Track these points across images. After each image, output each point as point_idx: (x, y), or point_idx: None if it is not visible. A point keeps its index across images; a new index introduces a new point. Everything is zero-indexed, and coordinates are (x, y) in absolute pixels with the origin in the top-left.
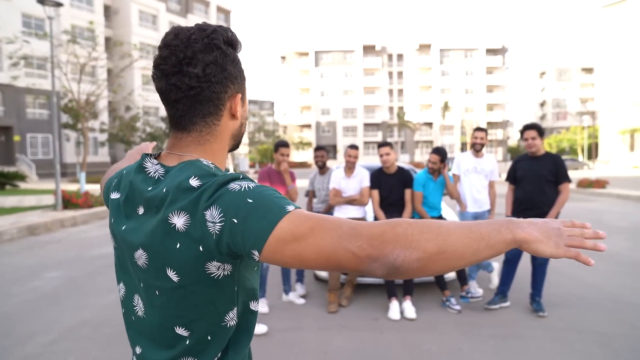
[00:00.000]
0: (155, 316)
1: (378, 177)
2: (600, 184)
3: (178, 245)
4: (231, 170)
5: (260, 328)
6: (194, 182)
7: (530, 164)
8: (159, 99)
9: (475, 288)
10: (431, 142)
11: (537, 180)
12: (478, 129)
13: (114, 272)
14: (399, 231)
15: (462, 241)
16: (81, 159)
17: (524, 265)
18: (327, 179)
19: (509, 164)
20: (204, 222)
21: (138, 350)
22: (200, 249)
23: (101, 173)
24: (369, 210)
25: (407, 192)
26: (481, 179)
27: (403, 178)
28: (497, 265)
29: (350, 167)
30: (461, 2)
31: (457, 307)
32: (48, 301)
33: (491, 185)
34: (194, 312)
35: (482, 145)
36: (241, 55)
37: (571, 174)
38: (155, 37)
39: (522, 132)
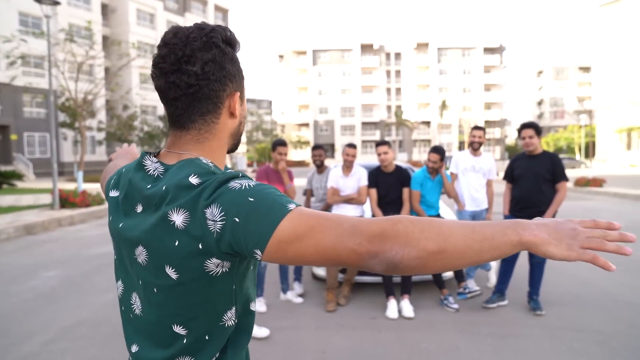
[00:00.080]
0: (153, 314)
1: (376, 176)
2: (597, 182)
3: (177, 243)
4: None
5: (262, 331)
6: (193, 180)
7: (527, 162)
8: (157, 97)
9: (473, 286)
10: (429, 140)
11: (534, 179)
12: (476, 128)
13: (112, 271)
14: (399, 228)
15: (463, 241)
16: (78, 157)
17: (522, 264)
18: (325, 177)
19: (507, 162)
20: (204, 220)
21: (134, 348)
22: (200, 246)
23: (99, 172)
24: (367, 209)
25: (405, 190)
26: (479, 178)
27: (401, 177)
28: (494, 263)
29: (348, 166)
30: (459, 1)
31: (455, 306)
32: (45, 300)
33: (489, 184)
34: (192, 311)
35: (480, 144)
36: (239, 54)
37: (568, 172)
38: (152, 36)
39: (519, 130)
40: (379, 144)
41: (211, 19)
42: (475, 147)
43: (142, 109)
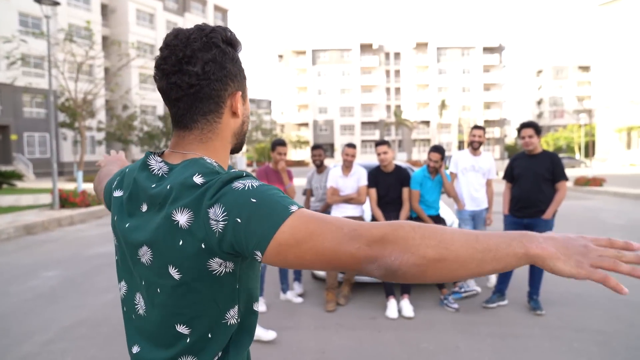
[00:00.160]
0: (156, 314)
1: (375, 176)
2: (597, 182)
3: (181, 243)
4: None
5: (268, 334)
6: (197, 179)
7: (527, 162)
8: (157, 97)
9: (473, 285)
10: (428, 140)
11: (534, 178)
12: (476, 127)
13: (112, 271)
14: (400, 234)
15: (465, 250)
16: (78, 157)
17: None
18: (324, 177)
19: (506, 162)
20: (207, 220)
21: (135, 349)
22: (203, 246)
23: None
24: (367, 208)
25: (405, 190)
26: (479, 177)
27: (400, 176)
28: None
29: (347, 166)
30: (458, 1)
31: (455, 306)
32: (45, 300)
33: (488, 183)
34: (195, 309)
35: (480, 144)
36: (241, 55)
37: (568, 172)
38: (152, 36)
39: (519, 130)
40: (378, 143)
41: (211, 19)
42: (475, 147)
43: (141, 109)
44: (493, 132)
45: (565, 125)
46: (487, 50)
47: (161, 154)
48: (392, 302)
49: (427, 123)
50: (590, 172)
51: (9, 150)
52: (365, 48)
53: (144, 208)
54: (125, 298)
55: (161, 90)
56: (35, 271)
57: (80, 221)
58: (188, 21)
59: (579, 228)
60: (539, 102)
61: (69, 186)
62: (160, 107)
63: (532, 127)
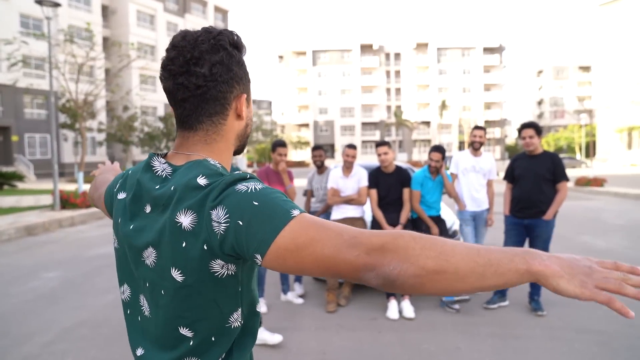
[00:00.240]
0: (160, 316)
1: (376, 177)
2: (598, 182)
3: (184, 244)
4: None
5: (274, 338)
6: (201, 181)
7: (528, 162)
8: (157, 98)
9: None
10: (429, 140)
11: (535, 179)
12: (477, 128)
13: (113, 272)
14: (400, 243)
15: (466, 264)
16: (79, 158)
17: None
18: (325, 178)
19: (507, 162)
20: (210, 222)
21: (140, 351)
22: (205, 247)
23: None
24: (367, 209)
25: (406, 191)
26: (479, 178)
27: (401, 177)
28: None
29: (348, 167)
30: (458, 1)
31: (456, 307)
32: (46, 301)
33: (489, 184)
34: (198, 312)
35: (481, 144)
36: (246, 58)
37: (569, 172)
38: (152, 37)
39: (519, 130)
40: (379, 144)
41: (211, 19)
42: (476, 147)
43: (142, 109)
44: (493, 133)
45: (566, 126)
46: (487, 50)
47: (165, 156)
48: (392, 303)
49: (427, 123)
50: (591, 172)
51: (10, 152)
52: (366, 49)
53: (148, 209)
54: (128, 301)
55: (167, 90)
56: (35, 272)
57: (81, 222)
58: (188, 22)
59: (579, 228)
60: (540, 103)
61: (69, 187)
62: (161, 108)
63: (533, 127)
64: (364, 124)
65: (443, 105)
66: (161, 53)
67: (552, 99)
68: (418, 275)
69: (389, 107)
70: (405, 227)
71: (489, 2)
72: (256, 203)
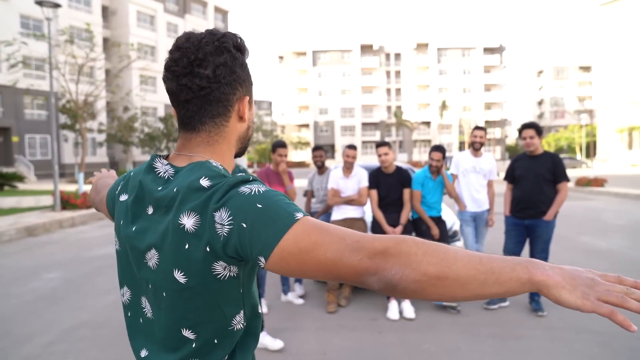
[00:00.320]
0: (163, 318)
1: (376, 177)
2: (598, 182)
3: (187, 246)
4: None
5: (276, 344)
6: (204, 182)
7: (528, 163)
8: (157, 99)
9: None
10: (429, 141)
11: (535, 179)
12: (477, 128)
13: (113, 272)
14: (402, 248)
15: (467, 271)
16: (79, 159)
17: None
18: (325, 178)
19: (507, 162)
20: (213, 223)
21: (144, 353)
22: (207, 249)
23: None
24: (368, 210)
25: (406, 191)
26: (480, 179)
27: (401, 177)
28: None
29: (348, 167)
30: (458, 1)
31: (457, 307)
32: (46, 302)
33: (490, 184)
34: (200, 315)
35: (482, 144)
36: (248, 61)
37: (569, 172)
38: (153, 38)
39: (520, 131)
40: (379, 145)
41: (211, 20)
42: (476, 148)
43: (142, 110)
44: (494, 133)
45: (566, 126)
46: (487, 50)
47: (167, 157)
48: (393, 304)
49: (427, 124)
50: (591, 172)
51: (10, 152)
52: (366, 49)
53: (150, 211)
54: (129, 303)
55: (170, 91)
56: (36, 273)
57: (81, 223)
58: (188, 23)
59: (580, 229)
60: (540, 103)
61: (70, 188)
62: (161, 109)
63: (534, 128)
64: (364, 125)
65: (443, 106)
66: (161, 54)
67: (552, 99)
68: (419, 280)
69: (389, 108)
70: (406, 227)
71: (489, 2)
72: (260, 205)
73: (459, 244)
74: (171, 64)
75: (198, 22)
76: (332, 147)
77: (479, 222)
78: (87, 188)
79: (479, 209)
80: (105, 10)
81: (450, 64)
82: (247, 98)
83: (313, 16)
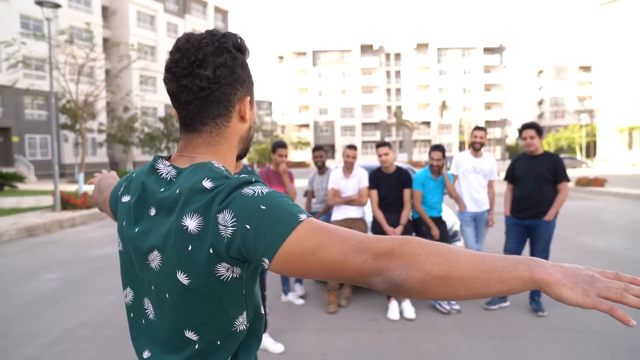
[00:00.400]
0: (166, 319)
1: (377, 177)
2: (598, 182)
3: (190, 248)
4: None
5: (277, 347)
6: (207, 184)
7: (528, 163)
8: (157, 99)
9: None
10: (429, 141)
11: (535, 179)
12: (477, 128)
13: (113, 273)
14: (406, 249)
15: (470, 270)
16: (79, 159)
17: None
18: (326, 179)
19: (507, 162)
20: (216, 225)
21: (146, 354)
22: (211, 251)
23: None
24: (368, 210)
25: (406, 191)
26: (480, 179)
27: (402, 178)
28: None
29: (348, 167)
30: (458, 1)
31: (457, 307)
32: (47, 302)
33: (490, 184)
34: (203, 316)
35: (482, 145)
36: (249, 61)
37: (570, 172)
38: (153, 38)
39: (520, 131)
40: (379, 145)
41: (211, 20)
42: (476, 148)
43: (142, 110)
44: (494, 133)
45: (567, 126)
46: (487, 50)
47: (169, 158)
48: (393, 304)
49: (427, 124)
50: (591, 172)
51: (10, 152)
52: (366, 49)
53: (153, 212)
54: (132, 304)
55: (171, 93)
56: (36, 273)
57: (81, 223)
58: (188, 23)
59: (580, 229)
60: (540, 103)
61: (70, 188)
62: (161, 109)
63: (534, 128)
64: (364, 125)
65: (443, 106)
66: (161, 54)
67: (552, 99)
68: (424, 280)
69: (389, 108)
70: (406, 227)
71: (489, 2)
72: (263, 207)
73: (459, 244)
74: (171, 65)
75: (198, 22)
76: (332, 147)
77: (479, 222)
78: (87, 188)
79: (479, 209)
80: (105, 10)
81: (450, 64)
82: (248, 98)
83: (313, 16)
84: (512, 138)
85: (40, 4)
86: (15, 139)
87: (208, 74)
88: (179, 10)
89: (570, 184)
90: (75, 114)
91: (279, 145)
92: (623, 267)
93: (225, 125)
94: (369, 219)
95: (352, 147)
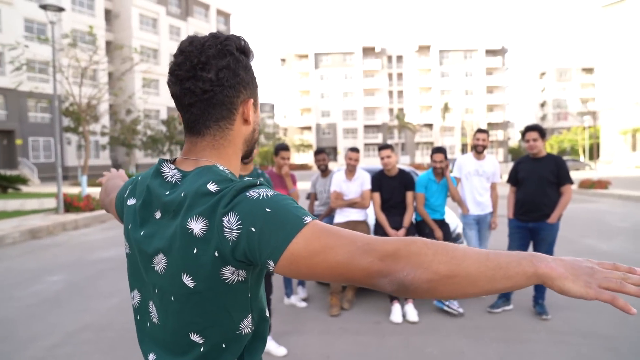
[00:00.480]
0: (170, 322)
1: (379, 180)
2: (602, 184)
3: (195, 251)
4: None
5: (280, 350)
6: (212, 187)
7: (531, 165)
8: (160, 102)
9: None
10: (431, 143)
11: (538, 181)
12: (480, 131)
13: (116, 275)
14: (413, 249)
15: (476, 268)
16: (82, 162)
17: None
18: (328, 181)
19: (510, 165)
20: (221, 228)
21: (152, 357)
22: (216, 254)
23: (102, 176)
24: (371, 213)
25: (409, 194)
26: (482, 182)
27: (404, 180)
28: None
29: (351, 170)
30: (460, 3)
31: (460, 310)
32: (50, 305)
33: (493, 187)
34: (208, 319)
35: (484, 147)
36: (253, 63)
37: (573, 174)
38: (155, 41)
39: (523, 133)
40: (381, 147)
41: (213, 23)
42: (479, 150)
43: (145, 113)
44: (496, 135)
45: (569, 128)
46: (489, 52)
47: (174, 161)
48: (396, 307)
49: (430, 126)
50: (595, 174)
51: (14, 155)
52: (368, 51)
53: (158, 215)
54: (138, 307)
55: (174, 95)
56: (39, 276)
57: (84, 225)
58: (191, 26)
59: (583, 231)
60: (543, 105)
61: (73, 190)
62: (164, 112)
63: (537, 130)
64: (367, 127)
65: (445, 108)
66: (164, 56)
67: (555, 101)
68: (431, 280)
69: (391, 110)
70: (409, 230)
71: (491, 4)
72: (268, 210)
73: None
74: (175, 68)
75: (200, 25)
76: (335, 149)
77: (482, 225)
78: (90, 191)
79: (482, 212)
80: (108, 14)
81: (453, 66)
82: (252, 101)
83: (315, 19)
84: (514, 140)
85: (44, 7)
86: (18, 141)
87: (211, 76)
88: (181, 13)
89: (574, 187)
90: (78, 116)
91: (282, 148)
92: None
93: (228, 128)
94: (371, 221)
95: (355, 150)
